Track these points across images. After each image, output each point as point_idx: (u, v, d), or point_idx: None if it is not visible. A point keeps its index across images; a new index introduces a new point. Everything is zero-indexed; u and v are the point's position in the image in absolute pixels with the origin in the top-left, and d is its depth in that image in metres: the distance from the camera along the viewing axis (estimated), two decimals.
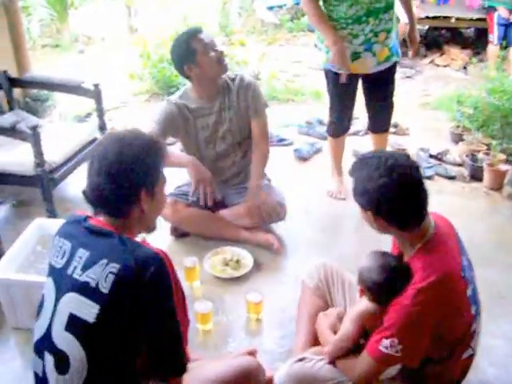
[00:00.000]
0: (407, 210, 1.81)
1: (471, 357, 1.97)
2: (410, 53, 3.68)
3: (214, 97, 3.06)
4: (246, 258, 3.01)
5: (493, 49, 6.52)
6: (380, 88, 3.58)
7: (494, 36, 6.51)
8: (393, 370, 1.89)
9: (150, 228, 1.80)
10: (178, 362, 1.63)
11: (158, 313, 1.54)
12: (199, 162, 2.99)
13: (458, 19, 7.19)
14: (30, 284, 2.40)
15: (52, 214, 3.30)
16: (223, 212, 3.21)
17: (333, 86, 3.52)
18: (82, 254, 1.57)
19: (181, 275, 2.77)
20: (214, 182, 2.97)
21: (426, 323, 1.76)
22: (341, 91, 3.49)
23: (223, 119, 3.10)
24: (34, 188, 3.33)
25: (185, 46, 2.91)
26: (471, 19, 7.16)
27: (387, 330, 1.78)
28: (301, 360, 2.03)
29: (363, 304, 1.95)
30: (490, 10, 6.62)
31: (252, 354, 2.08)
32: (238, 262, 2.97)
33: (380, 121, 3.74)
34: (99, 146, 1.68)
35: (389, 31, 3.31)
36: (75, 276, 1.55)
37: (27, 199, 3.68)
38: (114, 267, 1.50)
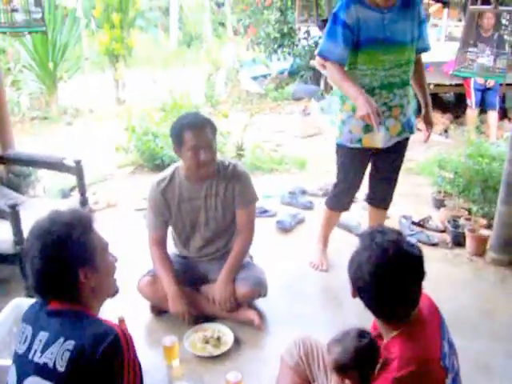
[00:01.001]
0: (397, 304, 1.77)
1: None
2: (424, 137, 3.63)
3: (201, 181, 3.03)
4: (227, 335, 2.95)
5: (471, 113, 6.69)
6: (388, 162, 3.51)
7: (472, 101, 6.69)
8: None
9: (110, 294, 1.79)
10: None
11: None
12: (179, 293, 3.01)
13: (437, 85, 7.38)
14: (3, 368, 2.33)
15: (30, 292, 3.24)
16: (204, 288, 3.18)
17: (344, 162, 3.44)
18: (42, 336, 1.58)
19: (160, 354, 2.78)
20: (189, 313, 3.01)
21: None
22: (352, 167, 3.43)
23: (208, 206, 3.07)
24: (14, 266, 3.30)
25: (178, 132, 2.92)
26: (450, 85, 7.36)
27: None
28: None
29: None
30: (466, 76, 6.80)
31: None
32: (218, 339, 2.92)
33: (382, 196, 3.66)
34: (31, 231, 1.70)
35: (402, 107, 3.26)
36: (35, 359, 1.55)
37: (7, 277, 3.63)
38: (70, 344, 1.51)
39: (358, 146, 3.28)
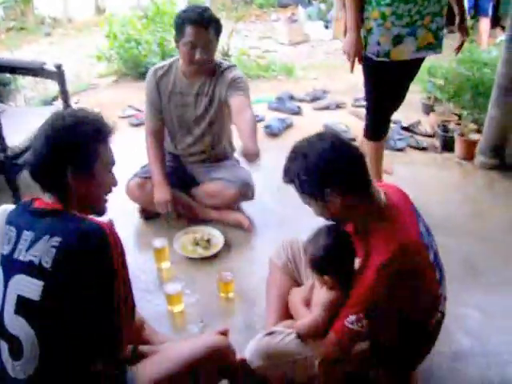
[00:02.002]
0: (356, 166, 1.80)
1: (441, 318, 1.97)
2: (457, 44, 3.31)
3: (196, 78, 2.95)
4: (217, 237, 2.97)
5: None
6: (407, 77, 3.18)
7: (465, 8, 6.47)
8: (363, 344, 1.87)
9: (96, 210, 1.75)
10: (111, 342, 1.58)
11: (95, 286, 1.50)
12: (164, 182, 3.00)
13: None
14: None
15: (17, 199, 3.22)
16: (193, 191, 3.16)
17: (371, 79, 3.09)
18: (27, 236, 1.55)
19: (150, 256, 2.79)
20: (172, 203, 3.00)
21: (393, 296, 1.73)
22: (381, 84, 3.07)
23: (198, 104, 3.00)
24: None
25: (179, 23, 2.81)
26: None
27: (353, 307, 1.77)
28: (270, 334, 2.01)
29: (332, 293, 1.92)
30: None
31: (224, 333, 2.05)
32: (208, 241, 2.94)
33: (385, 125, 3.33)
34: (42, 124, 1.66)
35: (435, 15, 2.91)
36: (20, 258, 1.53)
37: None
38: (56, 241, 1.49)
39: (385, 59, 2.93)
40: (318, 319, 1.92)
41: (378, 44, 2.91)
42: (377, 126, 3.28)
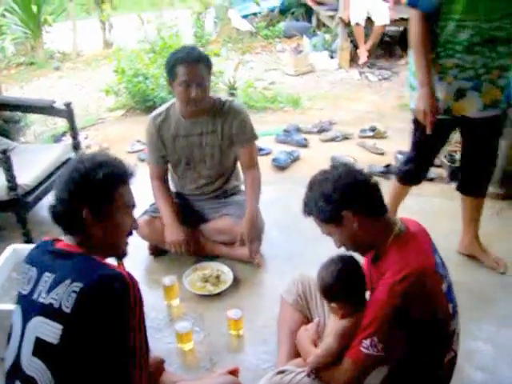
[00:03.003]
0: (374, 194, 1.90)
1: (454, 358, 1.96)
2: None
3: (197, 118, 2.98)
4: (226, 274, 2.97)
5: None
6: (482, 141, 2.87)
7: None
8: (375, 380, 1.87)
9: (118, 253, 1.78)
10: None
11: (112, 333, 1.52)
12: (176, 222, 3.03)
13: None
14: (5, 314, 2.33)
15: (27, 237, 3.25)
16: (203, 227, 3.17)
17: (423, 135, 2.80)
18: (48, 277, 1.58)
19: (160, 294, 2.79)
20: (185, 243, 3.01)
21: (404, 316, 1.75)
22: (429, 139, 2.81)
23: (204, 143, 3.03)
24: (9, 212, 3.28)
25: (171, 65, 2.86)
26: None
27: (367, 329, 1.78)
28: (281, 372, 2.00)
29: (343, 321, 1.93)
30: None
31: (234, 372, 2.05)
32: (217, 277, 2.94)
33: (475, 181, 3.05)
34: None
35: (505, 69, 2.64)
36: (40, 300, 1.55)
37: (2, 224, 3.61)
38: (77, 286, 1.50)
39: (445, 117, 2.71)
40: (331, 348, 1.92)
41: (437, 100, 2.65)
42: (415, 177, 3.13)
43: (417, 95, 2.70)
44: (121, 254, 1.79)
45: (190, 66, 2.80)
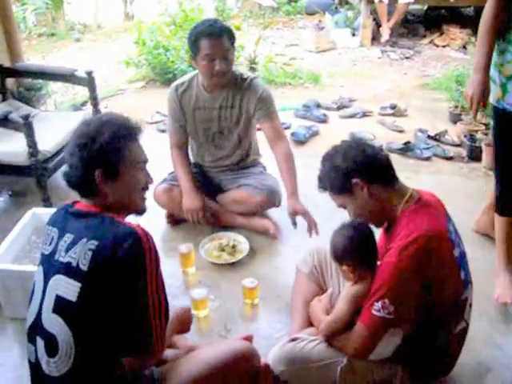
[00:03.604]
0: (385, 163, 1.96)
1: (465, 329, 1.98)
2: None
3: (217, 91, 2.98)
4: (242, 244, 2.99)
5: None
6: None
7: None
8: (387, 350, 1.88)
9: (136, 210, 1.79)
10: (146, 341, 1.60)
11: (129, 289, 1.54)
12: (194, 190, 3.04)
13: None
14: (25, 274, 2.38)
15: (47, 203, 3.29)
16: (220, 197, 3.19)
17: (503, 136, 2.48)
18: (67, 237, 1.61)
19: (176, 261, 2.82)
20: (202, 212, 3.03)
21: (414, 278, 1.77)
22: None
23: (223, 116, 3.03)
24: (29, 178, 3.32)
25: (193, 40, 2.84)
26: None
27: (377, 292, 1.80)
28: (293, 340, 2.03)
29: (355, 287, 1.95)
30: None
31: (248, 339, 2.07)
32: (233, 247, 2.96)
33: None
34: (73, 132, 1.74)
35: None
36: (60, 259, 1.59)
37: (23, 189, 3.66)
38: (93, 244, 1.54)
39: None
40: (342, 313, 1.95)
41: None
42: (508, 197, 2.60)
43: (508, 87, 2.36)
44: (139, 211, 1.81)
45: (213, 39, 2.78)
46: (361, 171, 1.90)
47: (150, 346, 1.61)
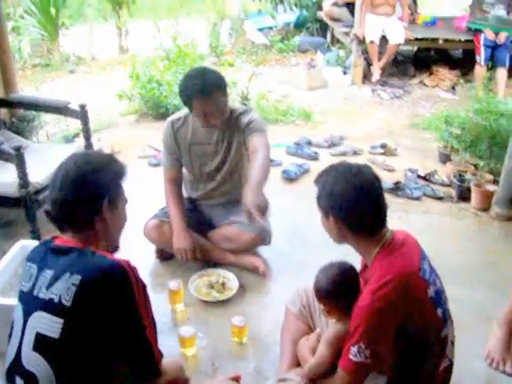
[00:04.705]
0: (367, 214, 1.87)
1: (450, 367, 1.97)
2: None
3: (212, 129, 3.01)
4: (232, 281, 2.98)
5: (480, 70, 6.58)
6: None
7: (481, 57, 6.58)
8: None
9: (113, 245, 1.80)
10: (153, 365, 1.64)
11: (122, 321, 1.54)
12: (185, 230, 3.03)
13: (445, 40, 7.25)
14: (10, 308, 2.33)
15: (36, 235, 3.27)
16: (210, 234, 3.19)
17: None
18: (47, 274, 1.59)
19: (165, 298, 2.80)
20: (192, 251, 3.03)
21: (388, 320, 1.76)
22: None
23: (219, 151, 3.06)
24: (19, 209, 3.30)
25: (185, 99, 2.88)
26: (459, 41, 7.22)
27: (352, 337, 1.79)
28: (282, 381, 2.02)
29: (335, 326, 1.97)
30: (477, 32, 6.71)
31: (236, 379, 2.05)
32: (223, 284, 2.95)
33: None
34: (61, 165, 1.71)
35: None
36: (41, 295, 1.57)
37: (12, 219, 3.65)
38: (77, 279, 1.52)
39: None
40: (322, 356, 1.96)
41: None
42: None
43: None
44: (116, 247, 1.82)
45: (204, 98, 2.80)
46: (339, 212, 1.87)
47: (156, 368, 1.64)
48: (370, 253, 1.89)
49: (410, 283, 1.79)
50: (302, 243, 3.43)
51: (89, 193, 1.64)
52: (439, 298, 1.91)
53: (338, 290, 1.96)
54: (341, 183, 1.87)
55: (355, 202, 1.85)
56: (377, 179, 1.91)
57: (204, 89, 2.79)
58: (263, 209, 2.74)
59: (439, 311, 1.88)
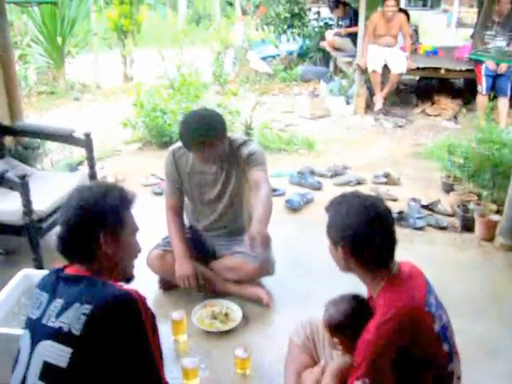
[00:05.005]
0: (378, 249, 1.85)
1: None
2: None
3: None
4: (235, 312, 2.96)
5: (482, 99, 6.62)
6: None
7: (483, 87, 6.63)
8: None
9: (125, 276, 1.80)
10: None
11: (131, 352, 1.53)
12: (187, 257, 3.04)
13: (447, 70, 7.33)
14: (12, 337, 2.32)
15: (38, 263, 3.26)
16: (213, 264, 3.18)
17: None
18: (58, 303, 1.59)
19: (168, 328, 2.77)
20: (194, 278, 3.01)
21: (393, 355, 1.73)
22: None
23: (219, 181, 3.08)
24: (22, 237, 3.30)
25: (185, 144, 2.92)
26: (460, 70, 7.31)
27: (356, 371, 1.77)
28: None
29: (341, 359, 1.95)
30: (478, 61, 6.76)
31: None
32: (226, 315, 2.93)
33: None
34: (65, 200, 1.73)
35: None
36: (50, 324, 1.56)
37: (15, 247, 3.64)
38: (86, 308, 1.52)
39: None
40: None
41: None
42: None
43: None
44: (129, 278, 1.82)
45: (205, 146, 2.84)
46: (348, 244, 1.86)
47: None
48: (377, 285, 1.88)
49: (416, 318, 1.78)
50: (305, 273, 3.41)
51: (82, 228, 1.66)
52: (446, 333, 1.89)
53: (349, 324, 1.93)
54: (353, 216, 1.85)
55: (366, 237, 1.83)
56: (389, 213, 1.90)
57: (204, 137, 2.82)
58: (267, 240, 2.73)
59: (445, 346, 1.86)
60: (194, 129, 2.84)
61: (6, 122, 4.17)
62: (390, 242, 1.87)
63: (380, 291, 1.86)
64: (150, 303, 3.04)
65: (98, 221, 1.66)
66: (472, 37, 8.03)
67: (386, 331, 1.73)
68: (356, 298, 1.99)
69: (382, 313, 1.77)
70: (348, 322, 1.94)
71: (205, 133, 2.82)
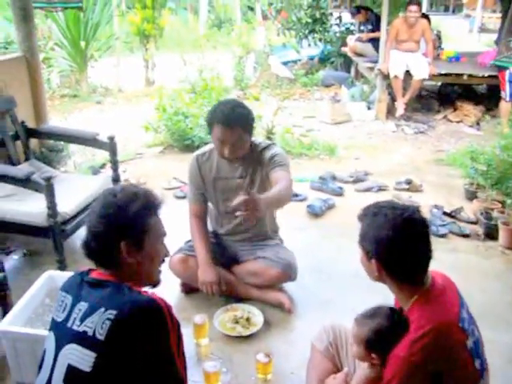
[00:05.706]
0: (413, 264, 1.81)
1: None
2: None
3: (236, 162, 3.03)
4: (257, 316, 2.96)
5: (505, 105, 6.56)
6: None
7: (506, 93, 6.56)
8: None
9: (151, 281, 1.81)
10: None
11: (155, 359, 1.53)
12: (210, 264, 3.04)
13: (470, 76, 7.27)
14: (36, 338, 2.36)
15: (62, 265, 3.29)
16: (236, 268, 3.18)
17: None
18: (82, 306, 1.60)
19: (189, 332, 2.78)
20: (217, 285, 3.01)
21: (425, 372, 1.71)
22: None
23: (242, 186, 3.05)
24: (46, 239, 3.34)
25: (208, 122, 2.94)
26: (483, 76, 7.24)
27: None
28: None
29: (368, 371, 1.92)
30: (501, 68, 6.70)
31: None
32: (248, 319, 2.93)
33: None
34: (96, 201, 1.75)
35: None
36: (74, 327, 1.57)
37: (38, 249, 3.68)
38: (111, 314, 1.53)
39: None
40: None
41: None
42: None
43: None
44: (155, 283, 1.82)
45: (225, 128, 2.84)
46: (381, 257, 1.82)
47: None
48: (409, 297, 1.84)
49: (449, 335, 1.75)
50: (327, 279, 3.40)
51: (104, 236, 1.66)
52: (478, 349, 1.86)
53: (389, 340, 1.84)
54: (388, 230, 1.79)
55: (402, 253, 1.79)
56: (426, 226, 1.84)
57: (229, 118, 2.84)
58: (255, 206, 2.44)
59: (477, 363, 1.83)
60: (222, 109, 2.88)
61: (32, 124, 4.23)
62: (426, 259, 1.83)
63: (413, 304, 1.82)
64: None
65: (119, 231, 1.66)
66: (496, 43, 7.97)
67: (419, 349, 1.70)
68: (393, 311, 1.92)
69: (415, 328, 1.74)
70: (386, 338, 1.86)
71: (232, 114, 2.84)
